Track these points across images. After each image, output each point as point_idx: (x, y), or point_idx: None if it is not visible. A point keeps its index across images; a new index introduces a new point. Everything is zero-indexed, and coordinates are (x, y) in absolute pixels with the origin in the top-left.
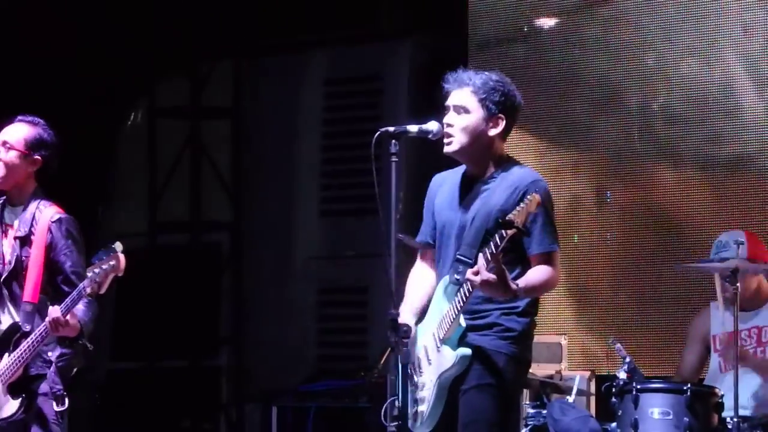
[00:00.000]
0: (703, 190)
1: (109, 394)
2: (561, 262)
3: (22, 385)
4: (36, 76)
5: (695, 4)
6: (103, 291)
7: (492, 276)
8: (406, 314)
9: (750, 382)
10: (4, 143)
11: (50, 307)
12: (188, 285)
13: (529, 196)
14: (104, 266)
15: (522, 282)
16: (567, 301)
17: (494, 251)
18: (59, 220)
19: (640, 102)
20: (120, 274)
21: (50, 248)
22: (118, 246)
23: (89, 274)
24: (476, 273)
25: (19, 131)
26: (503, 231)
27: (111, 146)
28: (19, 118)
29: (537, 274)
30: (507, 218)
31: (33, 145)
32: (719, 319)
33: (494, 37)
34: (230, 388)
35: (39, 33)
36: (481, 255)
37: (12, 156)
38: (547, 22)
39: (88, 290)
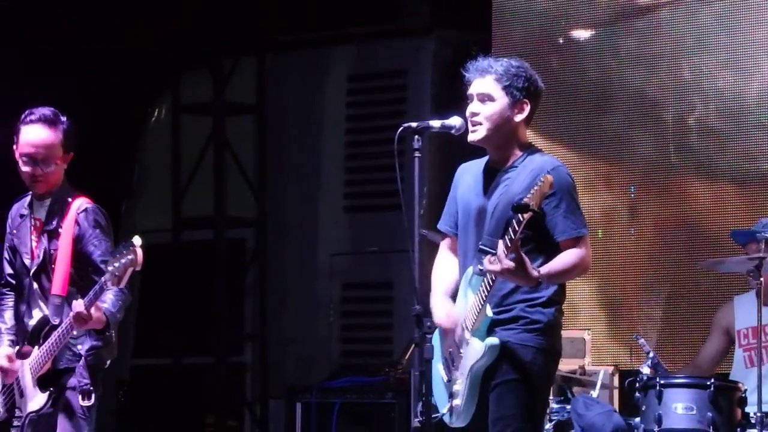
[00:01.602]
0: (737, 204)
1: (133, 390)
2: None
3: (51, 379)
4: (60, 72)
5: (732, 16)
6: (122, 285)
7: (511, 264)
8: (440, 302)
9: None
10: (44, 159)
11: (74, 302)
12: (212, 281)
13: (541, 178)
14: (123, 260)
15: (545, 269)
16: (591, 296)
17: (513, 237)
18: (86, 210)
19: (675, 115)
20: (137, 269)
21: (78, 240)
22: (137, 240)
23: (109, 268)
24: (496, 261)
25: (50, 137)
26: (519, 216)
27: (135, 142)
28: (37, 117)
29: (563, 259)
30: (522, 202)
31: (66, 146)
32: (744, 314)
33: (525, 50)
34: (254, 384)
35: (64, 29)
36: (500, 242)
37: (52, 168)
38: (582, 34)
39: (109, 284)
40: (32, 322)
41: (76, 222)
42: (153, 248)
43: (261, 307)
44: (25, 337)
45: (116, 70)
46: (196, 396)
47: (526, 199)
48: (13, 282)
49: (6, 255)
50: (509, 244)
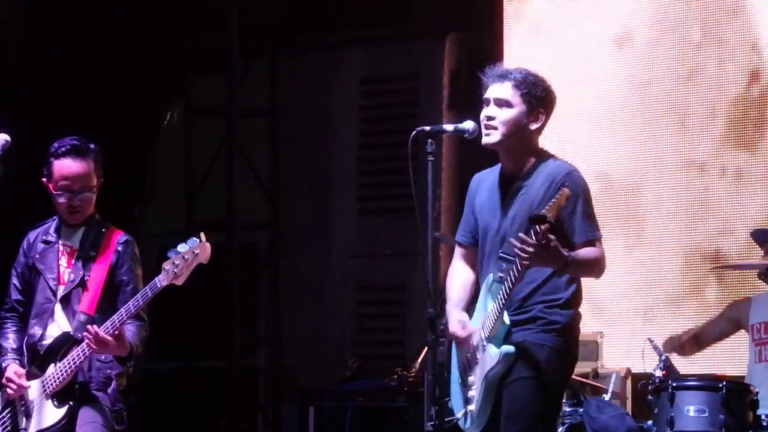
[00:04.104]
0: (753, 206)
1: (146, 394)
2: None
3: (72, 393)
4: (73, 75)
5: None
6: (181, 282)
7: (536, 244)
8: (454, 312)
9: None
10: (80, 189)
11: (89, 326)
12: (225, 284)
13: (559, 192)
14: (186, 256)
15: (572, 254)
16: (603, 299)
17: (539, 230)
18: (126, 242)
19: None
20: (205, 262)
21: (116, 268)
22: (203, 236)
23: (166, 267)
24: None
25: (84, 168)
26: (537, 227)
27: (148, 145)
28: (69, 149)
29: (586, 252)
30: (540, 213)
31: (98, 173)
32: (761, 310)
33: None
34: (268, 387)
35: (75, 33)
36: (524, 234)
37: (88, 197)
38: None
39: (165, 283)
40: (47, 342)
41: (116, 251)
42: (164, 251)
43: (274, 310)
44: (35, 359)
45: (129, 73)
46: (209, 399)
47: (543, 211)
48: (21, 309)
49: (14, 280)
50: (537, 231)
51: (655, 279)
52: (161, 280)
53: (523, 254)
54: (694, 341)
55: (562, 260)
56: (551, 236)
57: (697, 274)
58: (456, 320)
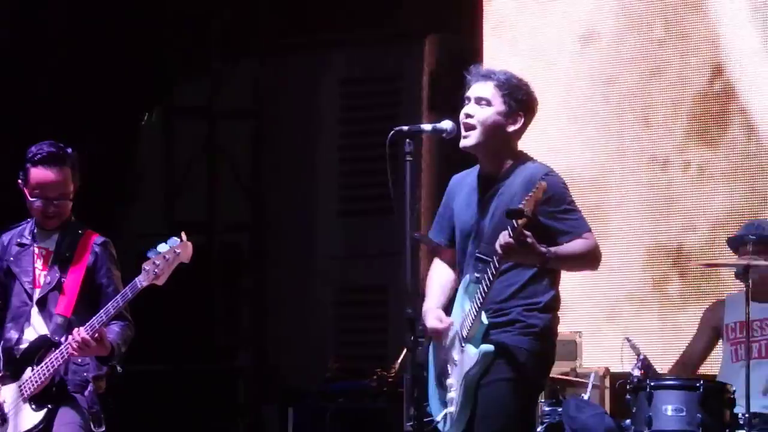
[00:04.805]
0: (727, 206)
1: (127, 396)
2: None
3: (49, 396)
4: (54, 75)
5: None
6: (161, 282)
7: (511, 241)
8: (432, 310)
9: (762, 372)
10: (57, 197)
11: (74, 330)
12: (206, 285)
13: (536, 185)
14: (167, 256)
15: (553, 249)
16: (582, 298)
17: (516, 226)
18: (104, 243)
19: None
20: (187, 262)
21: (93, 270)
22: (183, 235)
23: (146, 267)
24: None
25: (61, 175)
26: (514, 222)
27: (129, 146)
28: (46, 156)
29: (571, 245)
30: (517, 207)
31: (75, 179)
32: (734, 310)
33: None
34: (249, 389)
35: (57, 33)
36: (503, 232)
37: (65, 203)
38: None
39: (145, 283)
40: (23, 346)
41: (93, 252)
42: (144, 253)
43: (256, 312)
44: (11, 363)
45: (111, 74)
46: (189, 401)
47: (520, 205)
48: None
49: None
50: (511, 232)
51: (618, 276)
52: (141, 281)
53: (499, 250)
54: (682, 367)
55: (539, 256)
56: (527, 232)
57: (660, 270)
58: (433, 316)
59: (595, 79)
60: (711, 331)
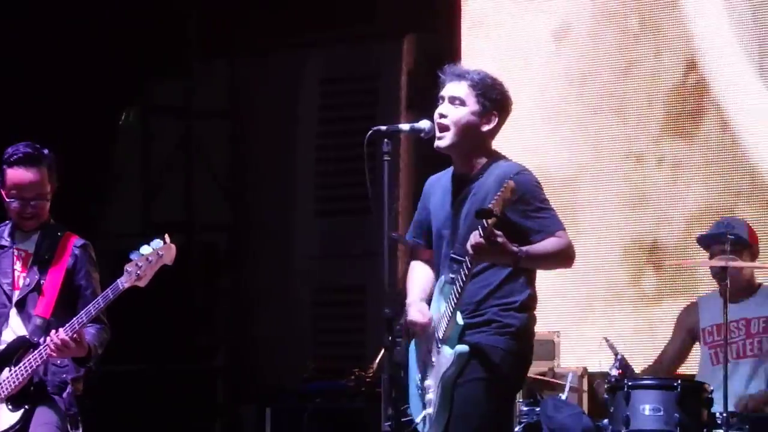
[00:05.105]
0: (702, 205)
1: (104, 396)
2: None
3: (27, 396)
4: (30, 74)
5: None
6: (143, 284)
7: (482, 241)
8: (415, 303)
9: (741, 376)
10: (34, 198)
11: (52, 332)
12: (185, 285)
13: (504, 184)
14: (150, 258)
15: (525, 248)
16: (560, 298)
17: (486, 225)
18: (84, 246)
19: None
20: (170, 264)
21: (72, 272)
22: (167, 237)
23: (129, 269)
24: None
25: (38, 176)
26: (484, 221)
27: (106, 146)
28: (22, 157)
29: (544, 243)
30: (486, 207)
31: (52, 180)
32: (709, 313)
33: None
34: (226, 389)
35: (33, 31)
36: (474, 232)
37: (42, 204)
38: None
39: (127, 285)
40: (1, 347)
41: (73, 254)
42: (121, 253)
43: (235, 312)
44: None
45: (87, 73)
46: (167, 401)
47: (489, 205)
48: None
49: None
50: (481, 232)
51: (593, 271)
52: (123, 282)
53: (471, 250)
54: (658, 368)
55: (511, 255)
56: (498, 231)
57: (635, 264)
58: (416, 309)
59: (569, 76)
60: (686, 334)
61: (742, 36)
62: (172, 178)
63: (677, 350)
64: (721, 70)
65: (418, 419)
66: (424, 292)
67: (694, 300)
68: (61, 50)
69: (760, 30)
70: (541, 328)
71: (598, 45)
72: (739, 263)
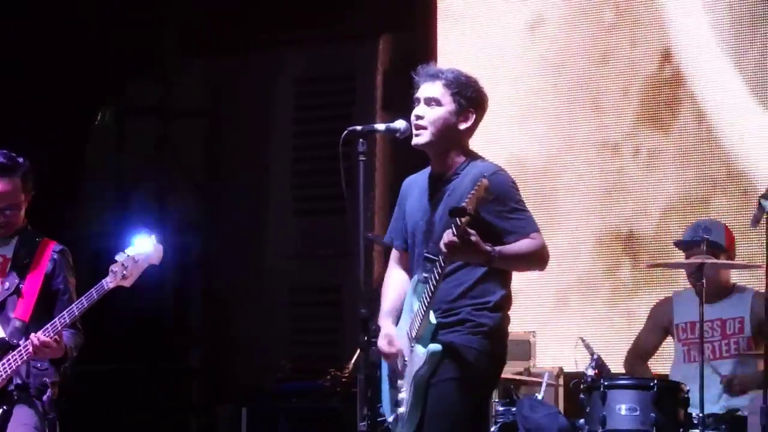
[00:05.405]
0: (678, 204)
1: (78, 396)
2: None
3: (4, 398)
4: (4, 74)
5: None
6: (129, 284)
7: (455, 239)
8: (384, 324)
9: (717, 376)
10: (8, 207)
11: (32, 335)
12: (160, 285)
13: (477, 182)
14: (136, 258)
15: (498, 247)
16: (535, 293)
17: (459, 224)
18: (62, 251)
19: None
20: (157, 263)
21: (50, 276)
22: (153, 237)
23: (114, 269)
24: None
25: (11, 186)
26: (457, 220)
27: (80, 145)
28: None
29: (518, 244)
30: (459, 206)
31: (26, 189)
32: (683, 309)
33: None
34: (201, 389)
35: (8, 31)
36: (447, 231)
37: (15, 213)
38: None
39: (112, 285)
40: None
41: (51, 259)
42: (97, 253)
43: (208, 312)
44: None
45: (62, 73)
46: (141, 401)
47: (463, 204)
48: None
49: None
50: (456, 230)
51: (568, 262)
52: (108, 282)
53: (444, 248)
54: (637, 360)
55: (484, 254)
56: (472, 230)
57: (611, 256)
58: (383, 334)
59: (544, 67)
60: (660, 330)
61: (718, 27)
62: (148, 178)
63: (655, 343)
64: (697, 61)
65: (390, 418)
66: (398, 300)
67: (669, 295)
68: (37, 50)
69: (736, 21)
70: (516, 328)
71: (573, 36)
72: (714, 261)
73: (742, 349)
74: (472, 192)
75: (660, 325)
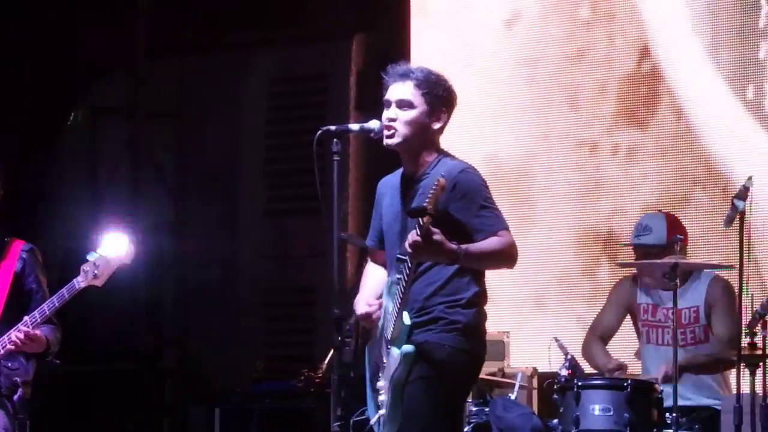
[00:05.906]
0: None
1: (51, 396)
2: None
3: None
4: None
5: None
6: (100, 283)
7: (418, 239)
8: (361, 299)
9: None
10: None
11: (12, 331)
12: (132, 285)
13: (435, 181)
14: (108, 257)
15: (465, 245)
16: (511, 292)
17: (422, 223)
18: (31, 250)
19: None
20: (129, 263)
21: (21, 276)
22: (125, 237)
23: (86, 269)
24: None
25: None
26: (419, 219)
27: (52, 146)
28: None
29: (485, 242)
30: (419, 206)
31: None
32: (643, 289)
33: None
34: (175, 390)
35: None
36: (412, 231)
37: None
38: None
39: (83, 284)
40: None
41: (20, 258)
42: (69, 253)
43: (181, 312)
44: None
45: (33, 73)
46: (114, 402)
47: (423, 204)
48: None
49: None
50: (419, 230)
51: (545, 262)
52: (80, 282)
53: (409, 248)
54: (601, 340)
55: (449, 253)
56: (435, 229)
57: (589, 255)
58: (362, 303)
59: (520, 62)
60: (624, 309)
61: (696, 23)
62: (119, 179)
63: (614, 321)
64: (675, 58)
65: (373, 420)
66: (375, 289)
67: (628, 275)
68: (7, 50)
69: (714, 17)
70: (491, 328)
71: (550, 32)
72: (688, 261)
73: (699, 337)
74: (431, 191)
75: (622, 304)
